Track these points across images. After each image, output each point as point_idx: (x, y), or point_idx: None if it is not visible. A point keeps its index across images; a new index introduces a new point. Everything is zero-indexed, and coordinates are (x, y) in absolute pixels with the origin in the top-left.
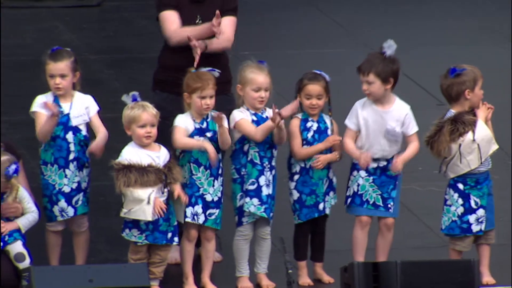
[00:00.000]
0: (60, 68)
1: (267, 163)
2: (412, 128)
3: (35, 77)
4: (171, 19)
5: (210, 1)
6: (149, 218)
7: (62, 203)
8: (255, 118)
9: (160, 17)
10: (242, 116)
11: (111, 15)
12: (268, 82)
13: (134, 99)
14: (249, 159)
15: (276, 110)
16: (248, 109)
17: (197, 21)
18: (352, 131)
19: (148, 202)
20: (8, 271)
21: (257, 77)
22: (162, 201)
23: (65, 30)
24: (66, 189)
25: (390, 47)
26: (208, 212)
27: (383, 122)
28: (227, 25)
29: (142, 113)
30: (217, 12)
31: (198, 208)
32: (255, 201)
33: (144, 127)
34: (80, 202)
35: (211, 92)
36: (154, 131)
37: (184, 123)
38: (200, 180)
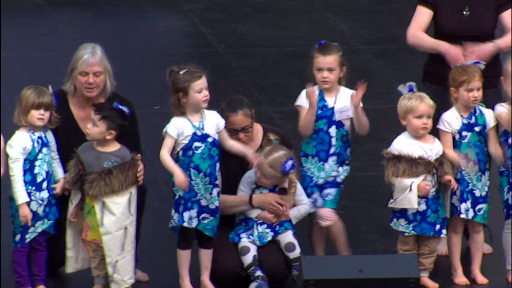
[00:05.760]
0: (329, 62)
1: None
2: None
3: (306, 68)
4: (418, 19)
5: None
6: (415, 205)
7: (315, 195)
8: None
9: (416, 10)
10: (502, 110)
11: (382, 6)
12: None
13: (411, 89)
14: None
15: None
16: None
17: (465, 11)
18: None
19: (411, 190)
20: (279, 260)
21: None
22: (427, 184)
23: (337, 21)
24: (321, 182)
25: None
26: (477, 207)
27: None
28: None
29: (420, 104)
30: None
31: (468, 203)
32: None
33: (421, 118)
34: (330, 197)
35: (477, 84)
36: (430, 122)
37: (450, 126)
38: (469, 175)
